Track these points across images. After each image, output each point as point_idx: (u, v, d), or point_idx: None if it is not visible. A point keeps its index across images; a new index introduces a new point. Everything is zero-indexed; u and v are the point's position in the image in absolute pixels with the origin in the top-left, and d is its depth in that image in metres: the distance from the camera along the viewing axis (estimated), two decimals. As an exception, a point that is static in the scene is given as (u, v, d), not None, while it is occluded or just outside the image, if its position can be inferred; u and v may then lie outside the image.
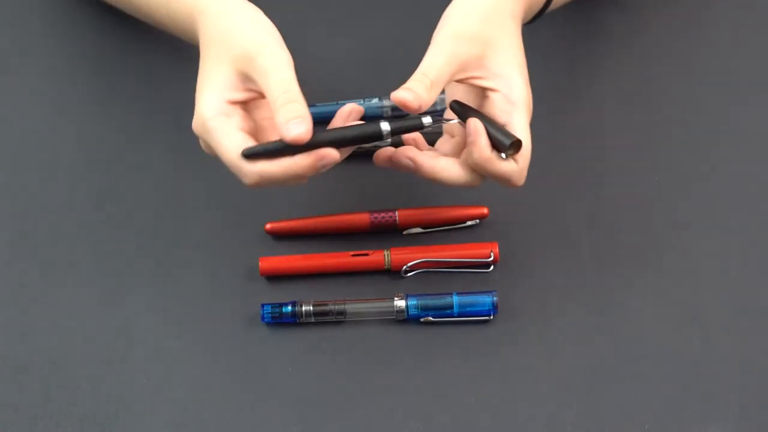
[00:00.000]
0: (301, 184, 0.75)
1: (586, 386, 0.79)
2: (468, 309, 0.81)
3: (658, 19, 0.95)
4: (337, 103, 0.90)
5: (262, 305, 0.82)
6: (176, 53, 0.86)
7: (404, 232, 0.86)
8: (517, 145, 0.74)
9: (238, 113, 0.74)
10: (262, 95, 0.74)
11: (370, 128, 0.74)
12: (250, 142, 0.73)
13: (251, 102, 0.76)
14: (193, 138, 0.75)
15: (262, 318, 0.82)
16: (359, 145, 0.75)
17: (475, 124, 0.74)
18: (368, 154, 0.89)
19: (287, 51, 0.75)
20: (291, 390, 0.80)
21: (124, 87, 0.93)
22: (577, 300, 0.83)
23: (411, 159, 0.77)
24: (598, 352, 0.81)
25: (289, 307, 0.82)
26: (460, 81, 0.76)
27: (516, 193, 0.86)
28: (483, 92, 0.77)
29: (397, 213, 0.85)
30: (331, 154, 0.72)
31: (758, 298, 0.83)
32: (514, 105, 0.75)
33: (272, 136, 0.76)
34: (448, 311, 0.81)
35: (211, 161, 0.88)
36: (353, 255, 0.84)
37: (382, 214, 0.85)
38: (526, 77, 0.76)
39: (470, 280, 0.83)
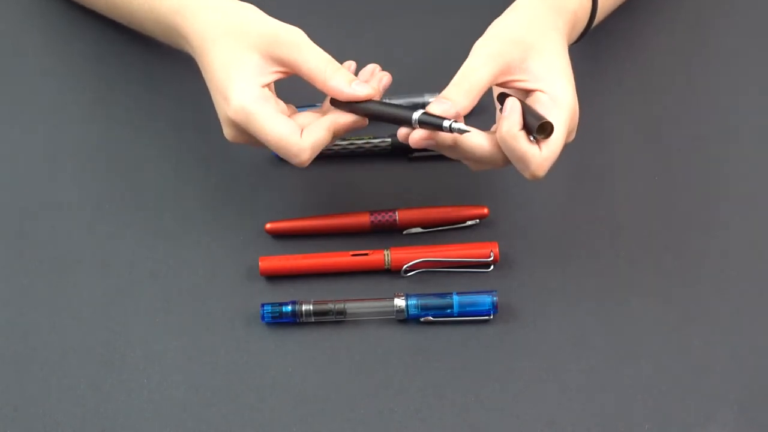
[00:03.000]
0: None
1: (586, 386, 0.79)
2: (468, 309, 0.81)
3: (658, 18, 0.95)
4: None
5: (262, 305, 0.82)
6: (176, 53, 0.86)
7: (404, 232, 0.86)
8: (546, 128, 0.72)
9: (272, 96, 0.76)
10: (287, 73, 0.76)
11: (404, 113, 0.75)
12: (294, 125, 0.75)
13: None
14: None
15: (262, 318, 0.82)
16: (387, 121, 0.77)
17: (512, 101, 0.73)
18: (369, 155, 0.89)
19: None
20: (291, 390, 0.80)
21: (124, 87, 0.93)
22: (577, 300, 0.83)
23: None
24: (598, 352, 0.81)
25: (289, 307, 0.82)
26: (502, 85, 0.76)
27: (516, 193, 0.86)
28: (526, 94, 0.76)
29: (397, 213, 0.85)
30: (361, 121, 0.77)
31: (758, 298, 0.83)
32: (555, 103, 0.74)
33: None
34: (448, 311, 0.82)
35: (210, 161, 0.89)
36: (353, 255, 0.84)
37: (382, 214, 0.85)
38: (572, 84, 0.75)
39: (470, 280, 0.83)
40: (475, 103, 0.74)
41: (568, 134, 0.76)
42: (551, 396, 0.79)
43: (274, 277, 0.84)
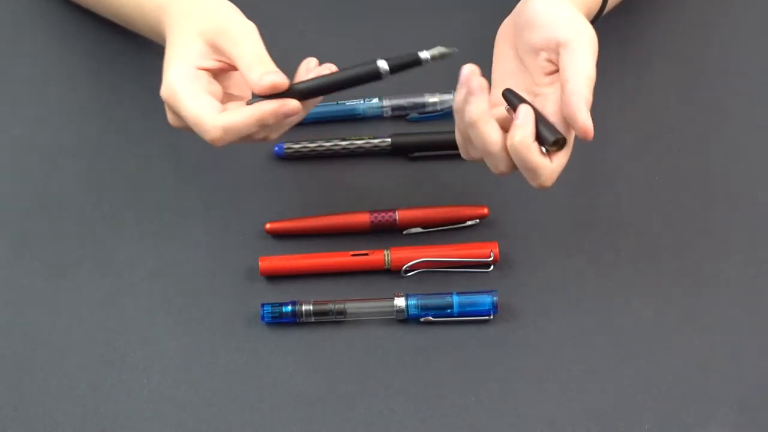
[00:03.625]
0: (269, 141, 0.76)
1: (586, 386, 0.80)
2: (468, 309, 0.81)
3: (658, 18, 0.95)
4: (338, 103, 0.90)
5: (262, 305, 0.82)
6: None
7: (404, 232, 0.86)
8: (560, 143, 0.72)
9: (205, 77, 0.75)
10: (231, 66, 0.75)
11: (367, 68, 0.74)
12: (214, 101, 0.73)
13: (221, 74, 0.76)
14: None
15: (262, 318, 0.82)
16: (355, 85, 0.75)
17: (527, 110, 0.72)
18: (369, 155, 0.89)
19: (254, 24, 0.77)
20: (291, 390, 0.80)
21: (124, 87, 0.93)
22: (577, 300, 0.83)
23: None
24: (598, 352, 0.81)
25: (289, 307, 0.82)
26: (549, 75, 0.75)
27: (516, 193, 0.86)
28: (546, 65, 0.75)
29: (397, 213, 0.85)
30: (292, 102, 0.73)
31: (758, 298, 0.83)
32: (566, 48, 0.72)
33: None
34: (448, 311, 0.82)
35: (210, 161, 0.89)
36: (353, 255, 0.84)
37: (382, 214, 0.85)
38: (576, 16, 0.73)
39: (470, 280, 0.83)
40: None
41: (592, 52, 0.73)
42: (551, 396, 0.79)
43: (274, 277, 0.84)
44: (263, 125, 0.73)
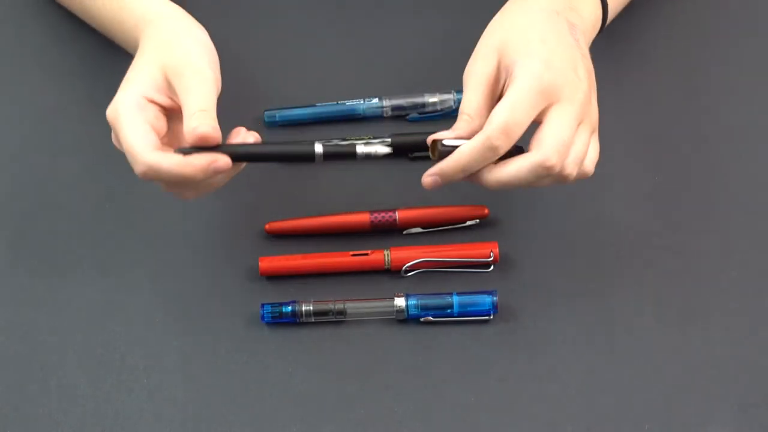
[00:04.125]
0: (185, 199, 0.75)
1: (586, 386, 0.79)
2: (468, 309, 0.81)
3: (658, 18, 0.95)
4: (337, 103, 0.90)
5: (262, 305, 0.82)
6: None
7: (404, 232, 0.86)
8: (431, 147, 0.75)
9: (152, 110, 0.74)
10: (179, 108, 0.74)
11: (303, 149, 0.74)
12: (152, 136, 0.72)
13: (171, 112, 0.76)
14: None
15: (262, 318, 0.82)
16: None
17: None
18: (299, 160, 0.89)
19: (219, 79, 0.76)
20: (291, 390, 0.80)
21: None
22: (577, 300, 0.83)
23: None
24: (598, 352, 0.81)
25: (289, 307, 0.82)
26: (502, 95, 0.75)
27: (516, 193, 0.86)
28: None
29: (397, 213, 0.85)
30: (223, 159, 0.71)
31: (758, 298, 0.83)
32: (510, 79, 0.73)
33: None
34: (448, 311, 0.81)
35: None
36: (353, 255, 0.84)
37: (382, 214, 0.85)
38: (539, 58, 0.73)
39: (470, 280, 0.83)
40: (480, 127, 0.73)
41: (549, 99, 0.73)
42: (551, 396, 0.79)
43: (274, 277, 0.84)
44: (189, 179, 0.72)
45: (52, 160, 0.90)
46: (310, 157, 0.75)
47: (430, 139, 0.76)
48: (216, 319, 0.83)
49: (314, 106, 0.90)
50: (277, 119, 0.89)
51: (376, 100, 0.90)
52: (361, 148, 0.75)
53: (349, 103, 0.90)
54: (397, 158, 0.89)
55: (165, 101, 0.75)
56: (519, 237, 0.85)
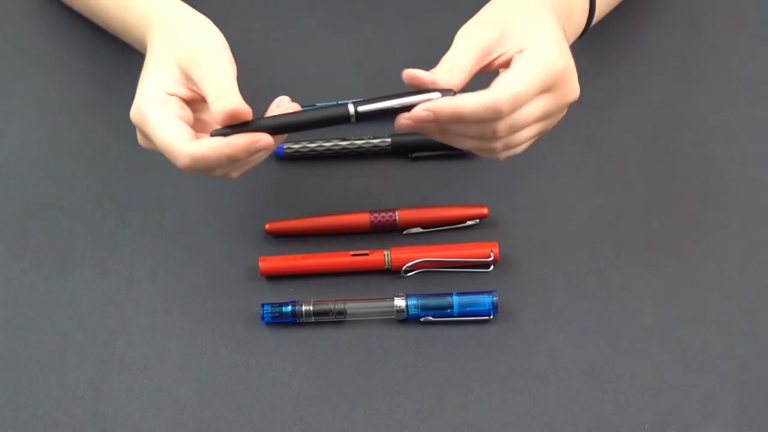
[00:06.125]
0: (231, 178, 0.75)
1: (585, 386, 0.79)
2: (468, 309, 0.81)
3: (658, 18, 0.95)
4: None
5: (262, 305, 0.82)
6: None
7: (404, 232, 0.86)
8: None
9: (176, 102, 0.74)
10: (202, 97, 0.74)
11: (337, 111, 0.73)
12: (185, 127, 0.72)
13: (194, 103, 0.76)
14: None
15: (262, 318, 0.82)
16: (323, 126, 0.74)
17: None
18: (369, 155, 0.89)
19: (233, 60, 0.76)
20: (291, 390, 0.80)
21: (124, 87, 0.92)
22: (577, 300, 0.83)
23: (429, 110, 0.72)
24: (597, 352, 0.81)
25: (289, 307, 0.82)
26: (487, 68, 0.74)
27: (516, 193, 0.86)
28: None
29: (397, 213, 0.85)
30: (265, 138, 0.71)
31: (758, 298, 0.83)
32: (525, 54, 0.72)
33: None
34: (448, 311, 0.82)
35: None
36: (353, 255, 0.84)
37: (382, 214, 0.85)
38: (552, 40, 0.73)
39: (470, 280, 0.83)
40: (462, 83, 0.72)
41: (554, 87, 0.73)
42: (551, 396, 0.79)
43: (274, 277, 0.84)
44: (233, 160, 0.72)
45: (52, 160, 0.90)
46: (345, 119, 0.73)
47: (407, 73, 0.72)
48: (216, 319, 0.83)
49: (314, 106, 0.90)
50: (277, 119, 0.89)
51: (376, 100, 0.90)
52: (394, 102, 0.72)
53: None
54: (397, 158, 0.89)
55: (185, 93, 0.75)
56: (519, 237, 0.85)
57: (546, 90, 0.72)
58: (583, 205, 0.87)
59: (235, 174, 0.75)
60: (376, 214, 0.85)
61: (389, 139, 0.88)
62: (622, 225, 0.86)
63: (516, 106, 0.71)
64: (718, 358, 0.80)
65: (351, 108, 0.73)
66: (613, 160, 0.89)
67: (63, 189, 0.89)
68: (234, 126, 0.72)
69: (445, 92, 0.71)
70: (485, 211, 0.86)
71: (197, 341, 0.82)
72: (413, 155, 0.88)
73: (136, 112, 0.74)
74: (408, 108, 0.72)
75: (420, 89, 0.72)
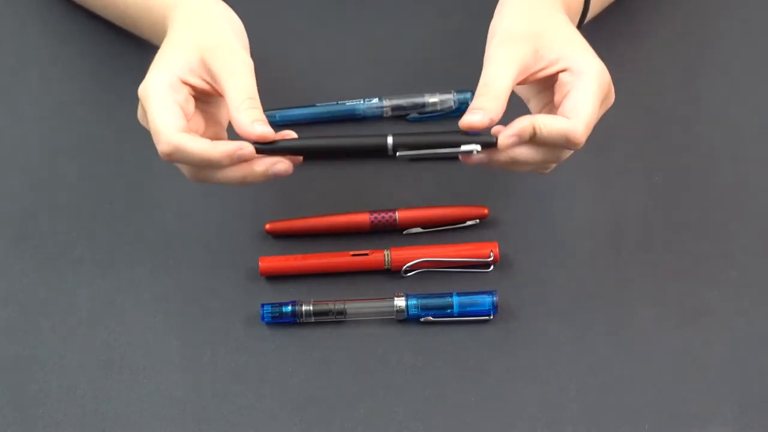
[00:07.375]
0: (233, 185, 0.74)
1: (585, 386, 0.79)
2: (468, 309, 0.81)
3: (658, 18, 0.95)
4: (337, 103, 0.90)
5: (262, 305, 0.82)
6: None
7: (404, 232, 0.86)
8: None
9: (184, 91, 0.74)
10: (215, 92, 0.74)
11: (374, 140, 0.73)
12: (181, 118, 0.72)
13: (204, 95, 0.75)
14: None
15: (262, 318, 0.82)
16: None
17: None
18: (370, 154, 0.89)
19: (250, 57, 0.75)
20: (291, 390, 0.80)
21: (123, 87, 0.92)
22: (577, 300, 0.83)
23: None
24: (597, 352, 0.81)
25: (289, 307, 0.82)
26: (524, 83, 0.75)
27: (516, 193, 0.86)
28: (550, 82, 0.75)
29: (397, 213, 0.85)
30: (248, 147, 0.71)
31: (758, 298, 0.83)
32: (579, 75, 0.73)
33: (212, 128, 0.76)
34: (448, 311, 0.81)
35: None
36: (353, 255, 0.84)
37: (382, 214, 0.85)
38: (590, 51, 0.74)
39: (470, 280, 0.83)
40: (503, 109, 0.72)
41: (605, 98, 0.74)
42: (551, 396, 0.79)
43: (274, 277, 0.84)
44: (212, 164, 0.71)
45: (52, 160, 0.90)
46: (381, 150, 0.73)
47: (464, 124, 0.71)
48: (216, 319, 0.83)
49: (314, 106, 0.90)
50: (277, 119, 0.89)
51: (376, 100, 0.90)
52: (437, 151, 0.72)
53: (349, 103, 0.90)
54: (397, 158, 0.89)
55: (199, 83, 0.74)
56: (519, 237, 0.85)
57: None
58: (583, 205, 0.87)
59: (215, 181, 0.74)
60: (376, 214, 0.85)
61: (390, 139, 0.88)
62: (622, 225, 0.86)
63: (588, 133, 0.73)
64: (718, 358, 0.80)
65: (390, 140, 0.72)
66: (613, 160, 0.89)
67: (63, 189, 0.89)
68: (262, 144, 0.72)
69: (486, 145, 0.72)
70: (485, 211, 0.85)
71: (197, 341, 0.82)
72: (398, 154, 0.85)
73: (143, 89, 0.73)
74: (449, 156, 0.72)
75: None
